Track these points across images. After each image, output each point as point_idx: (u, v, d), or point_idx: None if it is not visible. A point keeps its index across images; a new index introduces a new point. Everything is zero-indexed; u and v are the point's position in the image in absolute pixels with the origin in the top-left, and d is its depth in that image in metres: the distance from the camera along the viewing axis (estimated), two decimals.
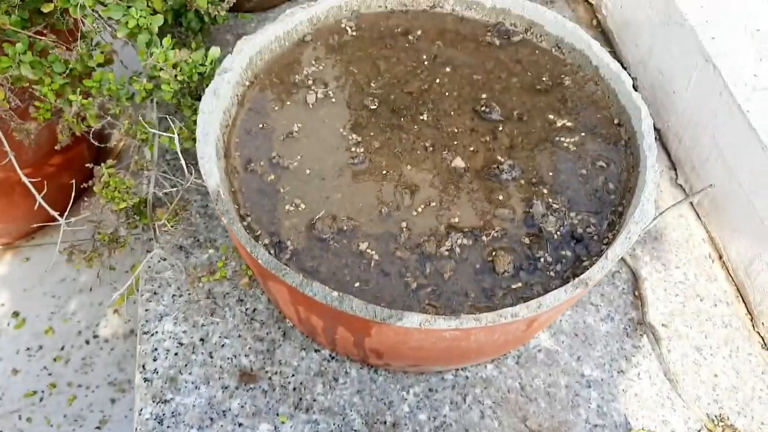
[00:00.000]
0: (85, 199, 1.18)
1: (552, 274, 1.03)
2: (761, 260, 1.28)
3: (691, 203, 1.49)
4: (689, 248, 1.42)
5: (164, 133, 1.11)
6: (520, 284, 1.02)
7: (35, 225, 1.77)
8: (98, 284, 1.72)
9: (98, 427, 1.57)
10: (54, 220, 1.18)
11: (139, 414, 1.13)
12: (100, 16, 1.13)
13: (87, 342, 1.72)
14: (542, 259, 1.04)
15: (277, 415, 1.14)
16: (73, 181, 1.73)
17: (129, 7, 1.11)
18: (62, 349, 1.71)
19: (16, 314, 1.74)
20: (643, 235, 1.42)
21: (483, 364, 1.23)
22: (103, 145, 1.43)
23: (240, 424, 1.13)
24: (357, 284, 1.00)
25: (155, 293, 1.25)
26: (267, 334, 1.22)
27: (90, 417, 1.59)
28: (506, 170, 1.13)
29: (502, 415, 1.18)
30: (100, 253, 1.18)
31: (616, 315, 1.31)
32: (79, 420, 1.58)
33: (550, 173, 1.14)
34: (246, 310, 1.25)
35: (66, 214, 1.15)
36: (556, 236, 1.07)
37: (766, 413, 1.23)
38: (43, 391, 1.63)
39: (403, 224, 1.06)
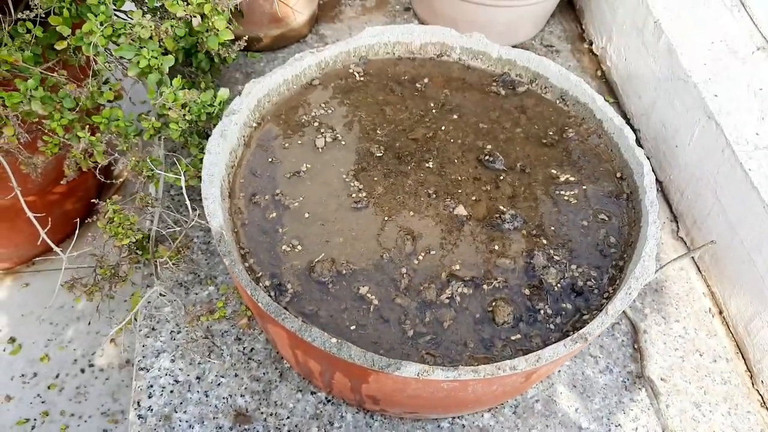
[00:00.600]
0: (89, 234, 1.18)
1: (551, 326, 1.03)
2: (761, 318, 1.28)
3: (692, 257, 1.49)
4: (689, 302, 1.41)
5: (169, 174, 1.12)
6: (519, 336, 1.02)
7: (37, 254, 1.79)
8: (97, 313, 1.71)
9: None
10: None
11: None
12: (112, 54, 1.15)
13: (82, 370, 1.71)
14: (542, 311, 1.04)
15: None
16: (78, 209, 1.75)
17: (141, 47, 1.12)
18: (57, 377, 1.69)
19: (12, 340, 1.74)
20: (643, 288, 1.42)
21: (480, 412, 1.22)
22: (108, 181, 1.45)
23: None
24: (356, 330, 1.00)
25: (153, 329, 1.24)
26: (264, 374, 1.22)
27: None
28: (508, 220, 1.13)
29: None
30: (101, 287, 1.18)
31: (615, 367, 1.30)
32: None
33: (552, 225, 1.14)
34: (244, 349, 1.24)
35: (72, 245, 1.16)
36: (556, 288, 1.07)
37: None
38: (35, 419, 1.61)
39: (404, 271, 1.06)
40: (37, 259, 1.81)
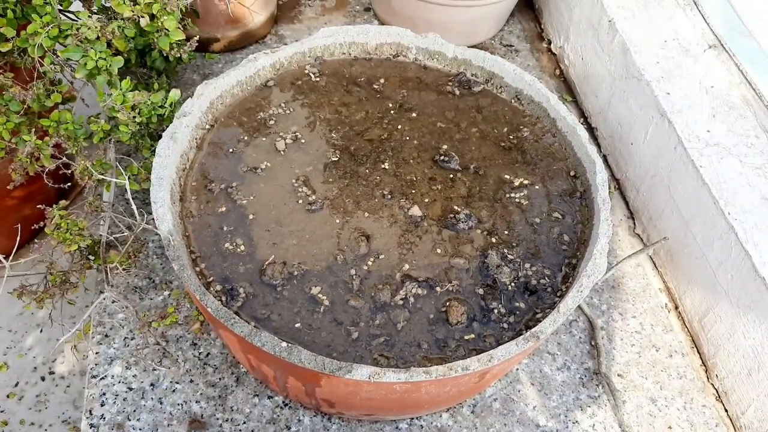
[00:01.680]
0: (35, 241, 1.16)
1: (505, 326, 1.04)
2: (714, 312, 1.30)
3: (649, 253, 1.51)
4: (646, 298, 1.43)
5: (115, 180, 1.10)
6: (473, 335, 1.02)
7: None
8: (51, 321, 1.69)
9: None
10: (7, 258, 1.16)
11: None
12: (58, 56, 1.13)
13: (42, 378, 1.68)
14: (496, 311, 1.05)
15: None
16: (37, 215, 1.71)
17: (89, 48, 1.10)
18: (16, 385, 1.66)
19: None
20: (600, 284, 1.44)
21: (438, 413, 1.22)
22: (62, 186, 1.41)
23: None
24: (308, 333, 0.99)
25: (107, 336, 1.22)
26: (220, 379, 1.20)
27: None
28: (463, 220, 1.13)
29: None
30: (52, 294, 1.16)
31: (572, 364, 1.31)
32: None
33: (506, 224, 1.15)
34: (199, 354, 1.23)
35: (18, 252, 1.13)
36: (510, 287, 1.07)
37: None
38: None
39: (358, 272, 1.06)
40: None
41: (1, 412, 1.60)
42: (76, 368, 1.69)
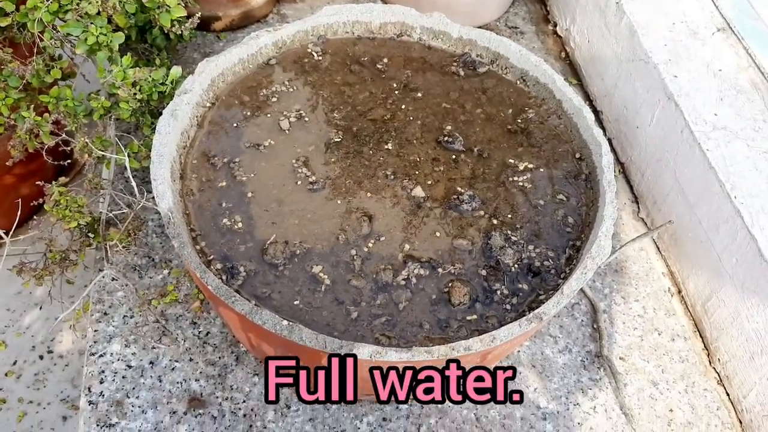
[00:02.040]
0: (35, 218, 1.15)
1: (508, 307, 1.03)
2: (718, 297, 1.29)
3: (652, 237, 1.50)
4: (649, 282, 1.42)
5: (115, 156, 1.09)
6: (475, 316, 1.01)
7: None
8: (50, 298, 1.68)
9: None
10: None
11: None
12: (58, 31, 1.11)
13: (41, 357, 1.67)
14: (499, 292, 1.04)
15: None
16: (37, 193, 1.70)
17: (89, 23, 1.09)
18: (14, 363, 1.66)
19: None
20: (603, 268, 1.43)
21: None
22: (62, 163, 1.40)
23: None
24: (309, 312, 0.98)
25: (105, 314, 1.22)
26: (219, 358, 1.20)
27: None
28: (466, 201, 1.12)
29: None
30: (51, 271, 1.15)
31: (574, 347, 1.30)
32: None
33: (510, 205, 1.13)
34: (199, 333, 1.22)
35: (18, 229, 1.12)
36: (513, 269, 1.06)
37: None
38: None
39: (360, 252, 1.05)
40: None
41: (0, 390, 1.60)
42: (75, 347, 1.69)
